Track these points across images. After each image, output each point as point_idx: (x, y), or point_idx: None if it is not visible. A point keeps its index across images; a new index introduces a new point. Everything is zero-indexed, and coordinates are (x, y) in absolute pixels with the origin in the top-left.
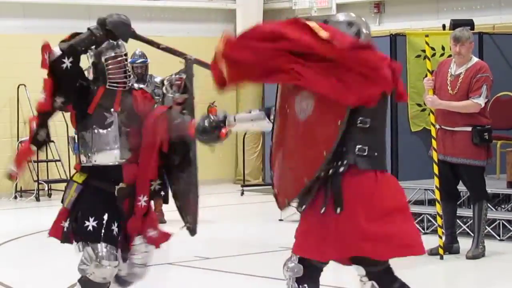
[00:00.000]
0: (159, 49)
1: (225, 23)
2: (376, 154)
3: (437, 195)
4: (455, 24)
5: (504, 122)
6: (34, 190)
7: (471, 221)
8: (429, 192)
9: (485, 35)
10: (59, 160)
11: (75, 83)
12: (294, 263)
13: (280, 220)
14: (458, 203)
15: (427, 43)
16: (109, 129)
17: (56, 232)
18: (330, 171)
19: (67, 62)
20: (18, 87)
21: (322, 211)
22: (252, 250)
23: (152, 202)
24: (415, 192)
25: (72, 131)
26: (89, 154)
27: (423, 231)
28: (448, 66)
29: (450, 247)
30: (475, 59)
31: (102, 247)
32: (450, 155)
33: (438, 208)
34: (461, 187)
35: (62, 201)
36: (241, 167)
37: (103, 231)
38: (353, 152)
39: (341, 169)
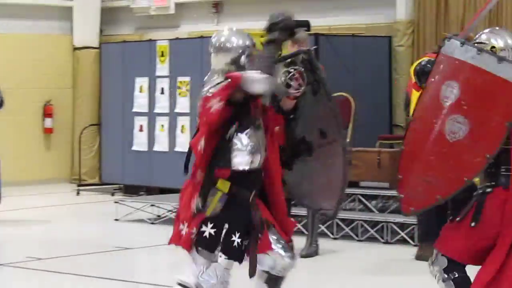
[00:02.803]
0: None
1: (62, 21)
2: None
3: None
4: None
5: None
6: None
7: (306, 220)
8: None
9: (321, 36)
10: None
11: None
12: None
13: (116, 220)
14: (292, 202)
15: (261, 43)
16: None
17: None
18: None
19: None
20: None
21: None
22: (88, 250)
23: None
24: None
25: None
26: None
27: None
28: None
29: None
30: None
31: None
32: None
33: None
34: None
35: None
36: (77, 166)
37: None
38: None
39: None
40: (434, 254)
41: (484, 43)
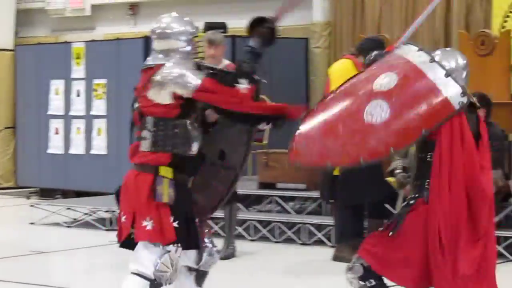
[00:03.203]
0: None
1: None
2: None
3: None
4: (209, 27)
5: None
6: None
7: (223, 222)
8: None
9: (238, 38)
10: None
11: None
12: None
13: (32, 223)
14: None
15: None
16: None
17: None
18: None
19: None
20: None
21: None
22: (3, 254)
23: None
24: None
25: None
26: None
27: None
28: None
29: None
30: (226, 62)
31: None
32: None
33: None
34: None
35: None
36: None
37: None
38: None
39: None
40: (352, 260)
41: None
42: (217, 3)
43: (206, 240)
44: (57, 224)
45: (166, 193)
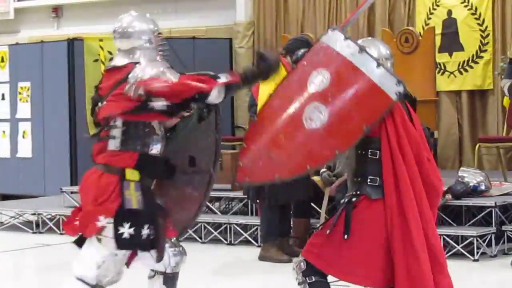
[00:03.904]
0: None
1: None
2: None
3: None
4: None
5: None
6: None
7: None
8: None
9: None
10: None
11: None
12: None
13: None
14: None
15: (101, 47)
16: None
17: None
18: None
19: None
20: None
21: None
22: None
23: None
24: None
25: None
26: None
27: None
28: None
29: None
30: None
31: None
32: None
33: None
34: None
35: None
36: None
37: None
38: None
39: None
40: (298, 260)
41: None
42: (141, 4)
43: (170, 240)
44: None
45: (134, 198)
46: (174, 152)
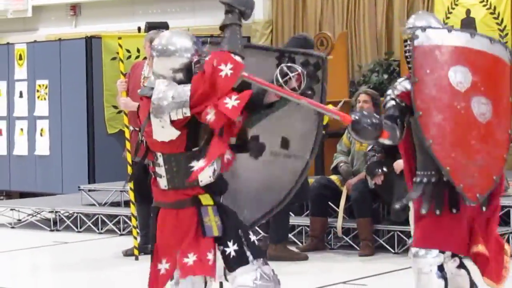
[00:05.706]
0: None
1: None
2: None
3: (131, 197)
4: (150, 27)
5: None
6: None
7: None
8: (125, 193)
9: None
10: None
11: None
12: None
13: None
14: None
15: (120, 45)
16: None
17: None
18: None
19: None
20: None
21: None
22: None
23: None
24: (111, 194)
25: None
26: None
27: (119, 232)
28: (142, 68)
29: (145, 248)
30: None
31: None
32: None
33: (132, 210)
34: None
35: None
36: None
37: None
38: None
39: None
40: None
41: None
42: (159, 2)
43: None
44: (1, 225)
45: (214, 224)
46: (266, 131)
